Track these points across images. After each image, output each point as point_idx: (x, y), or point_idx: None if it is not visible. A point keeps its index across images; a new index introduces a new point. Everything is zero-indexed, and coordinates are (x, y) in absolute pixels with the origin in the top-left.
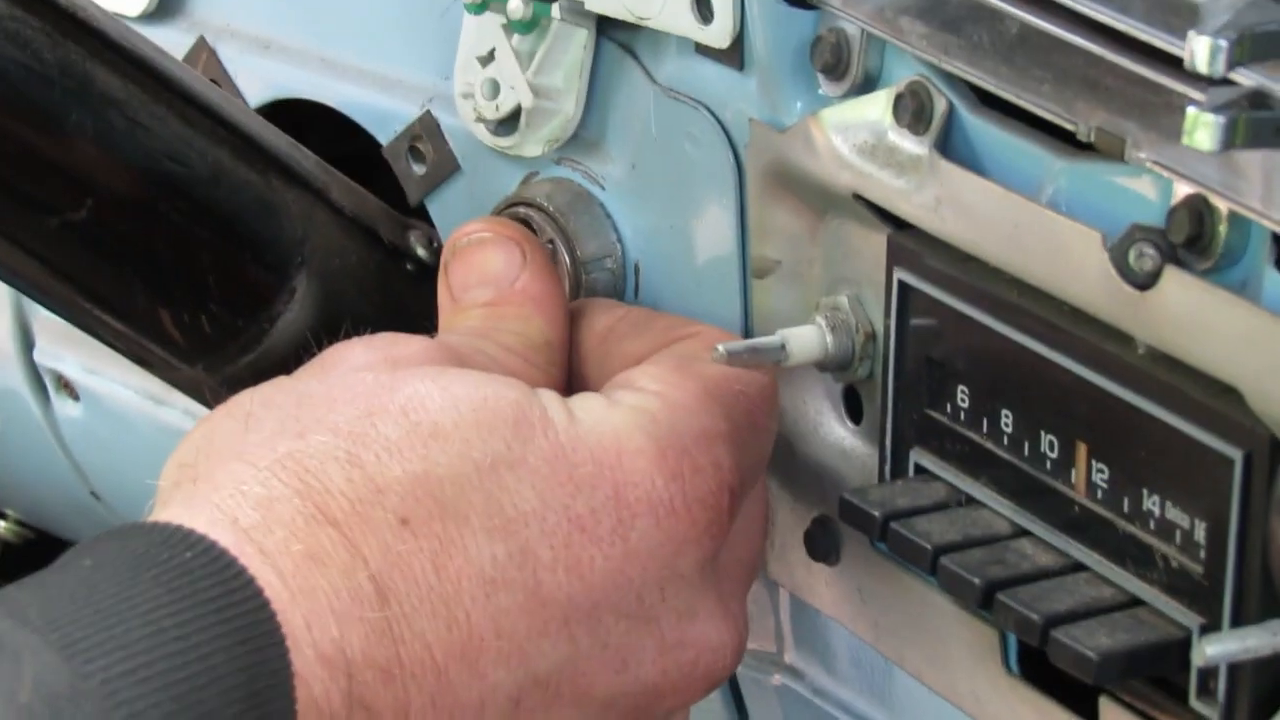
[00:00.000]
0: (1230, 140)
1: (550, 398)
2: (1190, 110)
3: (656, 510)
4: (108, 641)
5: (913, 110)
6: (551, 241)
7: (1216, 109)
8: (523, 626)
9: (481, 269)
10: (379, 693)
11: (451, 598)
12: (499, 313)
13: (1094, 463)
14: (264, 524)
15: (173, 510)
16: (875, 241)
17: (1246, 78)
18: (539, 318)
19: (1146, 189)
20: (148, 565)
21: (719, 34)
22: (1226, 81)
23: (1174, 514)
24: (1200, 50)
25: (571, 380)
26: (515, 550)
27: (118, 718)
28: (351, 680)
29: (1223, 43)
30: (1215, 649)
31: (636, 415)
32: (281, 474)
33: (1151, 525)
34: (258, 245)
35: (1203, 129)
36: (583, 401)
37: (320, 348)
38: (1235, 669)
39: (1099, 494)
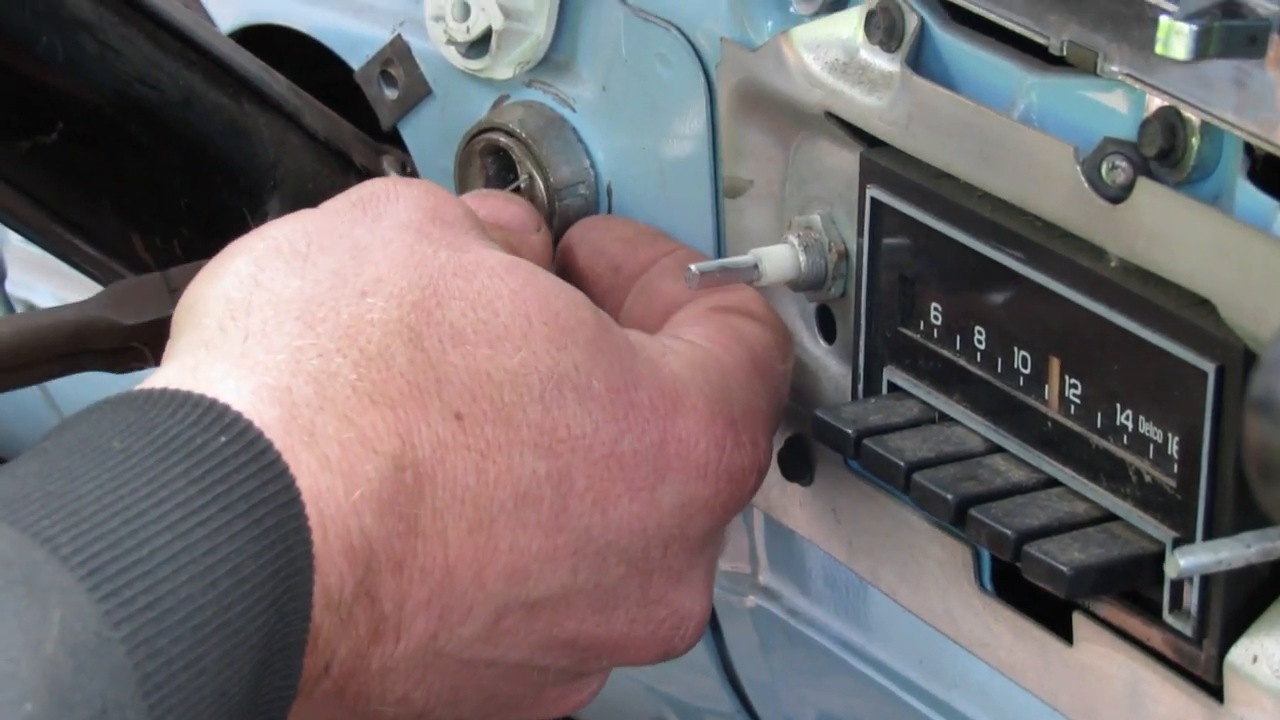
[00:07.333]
0: (1203, 49)
1: (614, 324)
2: (1163, 19)
3: (690, 471)
4: (134, 568)
5: (884, 27)
6: (530, 176)
7: (1189, 18)
8: (535, 546)
9: (499, 211)
10: (386, 582)
11: (483, 503)
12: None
13: (1067, 378)
14: (317, 401)
15: (219, 367)
16: (847, 160)
17: None
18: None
19: (1119, 103)
20: (179, 455)
21: None
22: None
23: (1147, 428)
24: None
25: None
26: (555, 470)
27: (137, 659)
28: (367, 570)
29: None
30: (1188, 560)
31: (693, 370)
32: (344, 344)
33: (1125, 440)
34: (230, 169)
35: (1175, 38)
36: (638, 338)
37: None
38: (1207, 583)
39: (1072, 409)
